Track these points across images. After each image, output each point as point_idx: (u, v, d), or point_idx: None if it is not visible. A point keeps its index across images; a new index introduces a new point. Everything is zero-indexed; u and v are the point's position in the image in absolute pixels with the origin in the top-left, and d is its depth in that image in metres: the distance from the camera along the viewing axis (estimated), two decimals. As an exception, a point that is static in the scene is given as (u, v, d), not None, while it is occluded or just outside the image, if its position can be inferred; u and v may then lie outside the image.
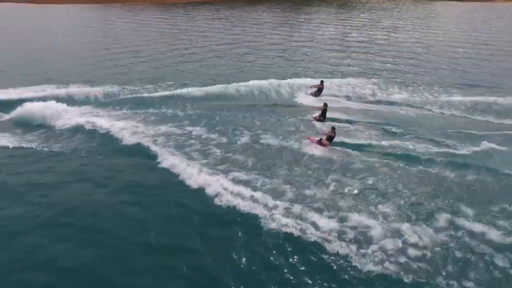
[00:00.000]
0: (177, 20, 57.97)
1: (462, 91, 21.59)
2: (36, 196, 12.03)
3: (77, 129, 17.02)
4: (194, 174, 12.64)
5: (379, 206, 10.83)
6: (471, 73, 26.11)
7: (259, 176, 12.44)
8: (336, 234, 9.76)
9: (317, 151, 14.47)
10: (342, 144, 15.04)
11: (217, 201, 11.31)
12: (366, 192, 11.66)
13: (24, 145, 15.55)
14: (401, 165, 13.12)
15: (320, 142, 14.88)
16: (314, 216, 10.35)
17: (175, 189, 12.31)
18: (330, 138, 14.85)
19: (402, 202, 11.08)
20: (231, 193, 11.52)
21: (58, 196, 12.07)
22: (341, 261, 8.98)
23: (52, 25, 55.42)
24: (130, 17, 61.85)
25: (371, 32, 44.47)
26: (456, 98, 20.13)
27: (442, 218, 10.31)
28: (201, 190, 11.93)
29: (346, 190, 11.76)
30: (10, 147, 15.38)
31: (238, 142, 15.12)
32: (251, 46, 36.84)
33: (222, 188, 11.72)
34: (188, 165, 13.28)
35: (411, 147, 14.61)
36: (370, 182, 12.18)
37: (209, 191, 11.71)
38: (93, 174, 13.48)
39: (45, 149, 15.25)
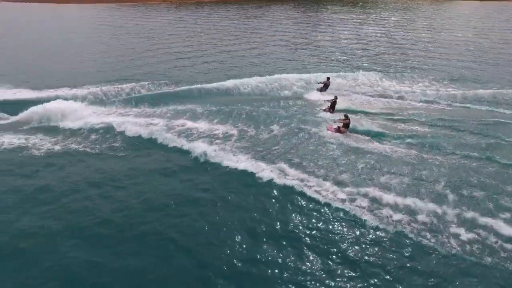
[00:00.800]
0: (196, 18, 59.92)
1: (480, 85, 22.94)
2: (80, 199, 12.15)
3: (102, 128, 17.40)
4: (234, 162, 13.85)
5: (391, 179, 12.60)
6: (487, 69, 27.63)
7: (297, 162, 13.81)
8: (370, 205, 11.39)
9: (337, 137, 16.12)
10: (356, 131, 16.83)
11: (268, 183, 12.62)
12: (379, 170, 13.32)
13: (68, 145, 15.77)
14: (414, 151, 14.68)
15: (338, 130, 16.57)
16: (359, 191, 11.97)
17: (224, 179, 13.17)
18: (346, 125, 16.59)
19: (410, 179, 12.62)
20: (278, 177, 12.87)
21: (121, 196, 12.30)
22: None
23: (70, 24, 55.95)
24: (150, 17, 62.96)
25: (384, 29, 46.92)
26: (477, 91, 21.38)
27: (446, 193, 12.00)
28: (248, 176, 13.06)
29: (362, 167, 13.42)
30: (45, 148, 15.58)
31: (263, 134, 16.34)
32: (263, 42, 38.99)
33: (271, 172, 13.10)
34: (223, 154, 14.40)
35: (422, 134, 16.30)
36: (387, 161, 13.88)
37: (263, 175, 12.96)
38: (138, 172, 13.73)
39: (86, 149, 15.55)
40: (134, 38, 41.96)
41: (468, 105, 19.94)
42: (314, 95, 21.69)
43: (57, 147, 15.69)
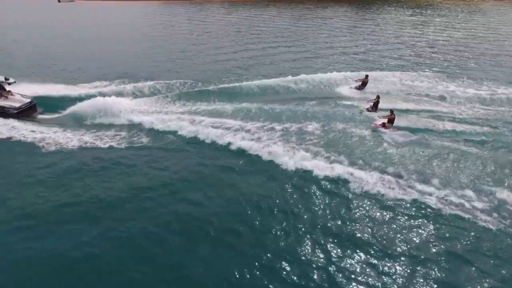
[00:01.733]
0: (243, 16, 61.70)
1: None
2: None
3: (149, 125, 17.75)
4: (287, 160, 14.36)
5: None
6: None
7: (348, 156, 14.48)
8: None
9: (384, 132, 16.68)
10: (400, 127, 17.33)
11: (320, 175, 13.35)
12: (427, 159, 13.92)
13: (124, 141, 16.19)
14: (455, 145, 15.25)
15: (384, 126, 17.15)
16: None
17: (273, 173, 13.77)
18: (391, 121, 17.14)
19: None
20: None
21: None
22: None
23: (121, 21, 57.96)
24: (195, 14, 65.16)
25: (421, 31, 46.93)
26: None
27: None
28: (295, 171, 13.75)
29: (417, 160, 14.01)
30: (105, 146, 15.93)
31: (308, 132, 16.54)
32: (312, 41, 40.23)
33: (316, 166, 13.85)
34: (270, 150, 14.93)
35: (465, 130, 16.83)
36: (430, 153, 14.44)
37: (320, 173, 13.63)
38: (194, 169, 14.24)
39: (138, 145, 15.95)
40: (186, 35, 43.25)
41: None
42: (353, 93, 22.22)
43: (114, 143, 16.10)
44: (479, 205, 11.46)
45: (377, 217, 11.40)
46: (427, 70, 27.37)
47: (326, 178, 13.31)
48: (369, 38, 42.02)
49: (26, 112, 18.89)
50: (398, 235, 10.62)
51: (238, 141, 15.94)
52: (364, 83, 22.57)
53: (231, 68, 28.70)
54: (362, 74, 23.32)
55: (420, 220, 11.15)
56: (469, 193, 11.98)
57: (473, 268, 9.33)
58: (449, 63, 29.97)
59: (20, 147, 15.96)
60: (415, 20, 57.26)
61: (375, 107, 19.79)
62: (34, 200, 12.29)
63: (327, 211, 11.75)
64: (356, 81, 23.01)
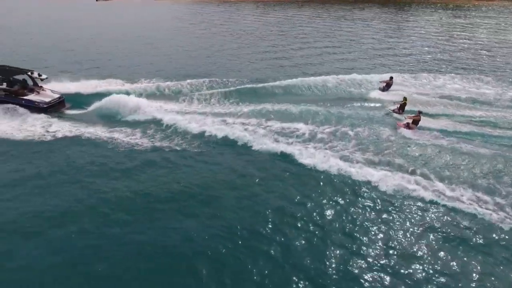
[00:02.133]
0: (281, 17, 62.51)
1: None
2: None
3: (178, 124, 17.67)
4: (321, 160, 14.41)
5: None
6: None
7: (375, 156, 14.71)
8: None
9: (407, 133, 16.96)
10: (426, 128, 17.52)
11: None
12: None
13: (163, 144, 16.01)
14: (485, 148, 15.17)
15: (407, 126, 17.40)
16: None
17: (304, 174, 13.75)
18: (416, 122, 17.36)
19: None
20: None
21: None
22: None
23: (158, 18, 60.37)
24: (232, 14, 66.67)
25: (471, 33, 45.98)
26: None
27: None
28: (324, 172, 13.85)
29: (441, 161, 14.17)
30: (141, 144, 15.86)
31: (337, 133, 16.56)
32: (346, 42, 40.46)
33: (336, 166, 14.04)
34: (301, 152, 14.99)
35: (490, 133, 16.79)
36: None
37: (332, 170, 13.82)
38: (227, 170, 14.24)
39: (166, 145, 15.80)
40: (219, 35, 44.06)
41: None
42: (378, 94, 22.40)
43: (145, 141, 16.06)
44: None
45: (401, 217, 11.53)
46: (475, 73, 26.93)
47: (363, 181, 13.22)
48: (416, 39, 41.58)
49: (55, 107, 19.84)
50: (433, 239, 10.70)
51: (265, 140, 16.06)
52: (388, 85, 22.74)
53: (277, 67, 29.19)
54: (387, 76, 23.45)
55: (452, 225, 11.13)
56: (503, 201, 11.82)
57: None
58: (502, 67, 29.06)
59: (80, 143, 16.12)
60: (461, 22, 55.31)
61: (401, 109, 19.97)
62: (124, 194, 12.47)
63: (369, 215, 11.70)
64: (380, 82, 23.15)
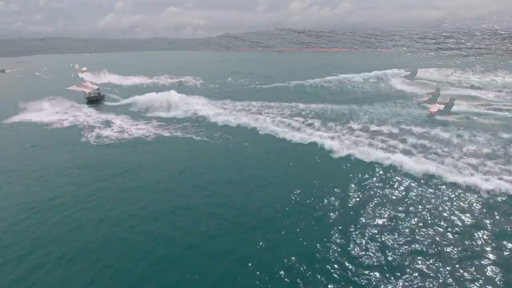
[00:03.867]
0: None
1: None
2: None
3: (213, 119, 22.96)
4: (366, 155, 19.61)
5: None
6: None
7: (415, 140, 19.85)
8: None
9: (441, 118, 22.29)
10: (458, 112, 22.64)
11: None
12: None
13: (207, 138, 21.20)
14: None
15: (439, 111, 22.79)
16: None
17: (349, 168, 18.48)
18: (448, 108, 22.73)
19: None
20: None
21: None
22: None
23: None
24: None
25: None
26: None
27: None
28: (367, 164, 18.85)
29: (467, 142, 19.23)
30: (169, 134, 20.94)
31: (372, 123, 21.96)
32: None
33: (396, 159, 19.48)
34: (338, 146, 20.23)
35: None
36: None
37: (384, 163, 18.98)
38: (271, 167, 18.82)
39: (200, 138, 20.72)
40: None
41: None
42: (404, 85, 26.46)
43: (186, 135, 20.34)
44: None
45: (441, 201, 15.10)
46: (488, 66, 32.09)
47: (413, 174, 17.77)
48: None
49: (94, 98, 23.26)
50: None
51: (303, 135, 20.68)
52: (412, 73, 26.77)
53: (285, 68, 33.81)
54: (414, 68, 27.67)
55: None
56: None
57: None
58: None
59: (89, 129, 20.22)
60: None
61: (434, 99, 25.21)
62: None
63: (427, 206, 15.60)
64: (405, 70, 27.34)
